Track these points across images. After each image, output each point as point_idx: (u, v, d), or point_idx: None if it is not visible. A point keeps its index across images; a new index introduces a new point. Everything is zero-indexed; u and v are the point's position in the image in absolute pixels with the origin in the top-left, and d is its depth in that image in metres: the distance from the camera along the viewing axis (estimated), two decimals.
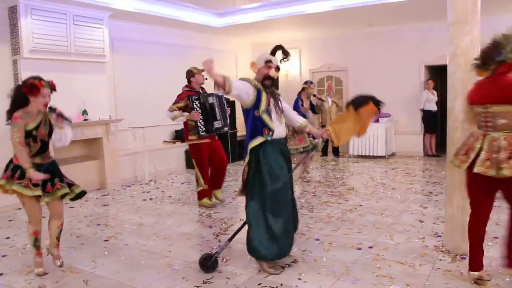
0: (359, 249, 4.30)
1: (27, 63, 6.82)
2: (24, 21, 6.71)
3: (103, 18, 7.79)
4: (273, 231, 3.68)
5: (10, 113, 3.79)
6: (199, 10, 9.28)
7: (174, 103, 6.18)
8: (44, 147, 3.88)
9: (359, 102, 4.18)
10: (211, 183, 6.39)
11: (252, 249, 3.77)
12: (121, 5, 7.67)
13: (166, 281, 3.76)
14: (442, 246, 4.21)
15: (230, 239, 4.08)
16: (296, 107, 7.55)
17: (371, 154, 9.98)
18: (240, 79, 3.89)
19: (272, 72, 3.85)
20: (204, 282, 3.69)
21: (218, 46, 11.16)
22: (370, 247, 4.32)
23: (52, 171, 3.88)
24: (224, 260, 4.15)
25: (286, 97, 8.08)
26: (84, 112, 7.59)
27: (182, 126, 9.69)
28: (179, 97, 6.19)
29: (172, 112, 6.14)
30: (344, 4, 8.29)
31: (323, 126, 10.37)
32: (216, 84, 3.56)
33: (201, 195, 6.33)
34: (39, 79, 3.80)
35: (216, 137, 6.42)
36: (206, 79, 6.40)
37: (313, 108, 8.09)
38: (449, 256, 3.98)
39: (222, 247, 4.04)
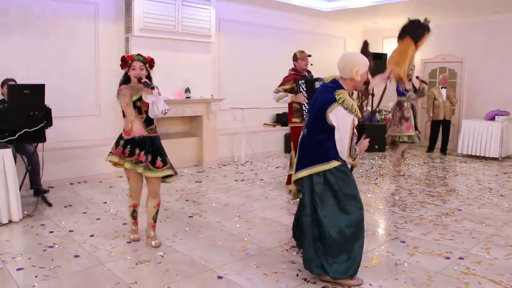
0: (448, 258, 3.91)
1: (137, 40, 7.19)
2: (137, 1, 7.07)
3: None
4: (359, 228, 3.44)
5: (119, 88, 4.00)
6: None
7: (280, 85, 6.15)
8: (149, 119, 4.00)
9: (418, 34, 3.90)
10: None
11: (352, 268, 3.34)
12: None
13: (237, 264, 3.75)
14: None
15: None
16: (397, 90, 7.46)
17: (482, 155, 9.06)
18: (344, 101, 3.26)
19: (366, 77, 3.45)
20: (274, 272, 3.61)
21: (326, 30, 10.87)
22: (461, 258, 3.91)
23: (155, 147, 3.99)
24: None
25: (395, 86, 7.68)
26: (187, 90, 7.84)
27: (283, 110, 9.75)
28: (285, 80, 6.15)
29: (278, 93, 6.11)
30: None
31: (433, 122, 9.68)
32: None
33: (290, 179, 6.25)
34: (133, 54, 3.97)
35: None
36: (311, 64, 6.28)
37: (415, 91, 7.54)
38: None
39: None
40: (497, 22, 9.48)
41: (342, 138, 3.23)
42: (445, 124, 9.71)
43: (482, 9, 8.92)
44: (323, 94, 3.40)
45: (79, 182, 6.59)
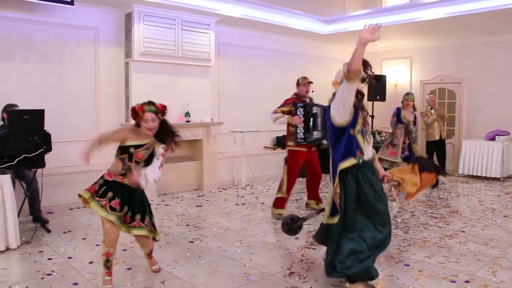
0: (453, 281, 3.83)
1: (137, 65, 7.23)
2: (137, 27, 7.12)
3: (210, 23, 8.01)
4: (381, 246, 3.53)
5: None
6: (306, 16, 9.17)
7: (279, 106, 6.26)
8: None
9: (426, 167, 4.00)
10: (309, 193, 6.53)
11: (365, 271, 3.51)
12: (228, 11, 7.83)
13: None
14: None
15: (319, 211, 4.24)
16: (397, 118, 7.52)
17: (483, 175, 9.03)
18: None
19: (361, 87, 3.54)
20: None
21: (326, 53, 10.95)
22: (467, 282, 3.83)
23: (135, 200, 3.70)
24: (304, 276, 3.96)
25: (394, 107, 7.72)
26: (187, 114, 7.84)
27: (283, 133, 9.74)
28: (285, 102, 6.26)
29: (275, 114, 6.22)
30: (462, 11, 7.65)
31: (428, 142, 9.56)
32: (353, 63, 3.33)
33: (278, 202, 6.19)
34: (144, 103, 3.59)
35: (313, 149, 6.26)
36: (312, 91, 6.40)
37: (415, 122, 7.60)
38: None
39: (312, 214, 4.31)
40: (494, 43, 9.56)
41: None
42: (441, 144, 9.57)
43: (476, 31, 9.02)
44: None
45: (78, 208, 6.52)
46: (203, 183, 8.18)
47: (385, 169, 7.02)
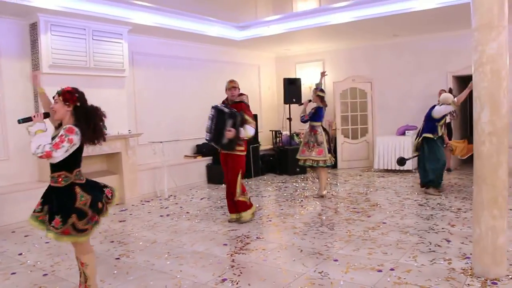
0: (380, 271, 4.01)
1: (46, 78, 6.78)
2: (44, 37, 6.74)
3: (123, 32, 7.78)
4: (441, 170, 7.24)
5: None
6: (219, 23, 9.21)
7: None
8: (53, 165, 3.36)
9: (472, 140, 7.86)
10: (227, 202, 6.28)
11: (434, 182, 7.22)
12: (140, 20, 7.67)
13: None
14: (471, 269, 3.89)
15: (417, 155, 7.43)
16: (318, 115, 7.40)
17: (397, 168, 9.61)
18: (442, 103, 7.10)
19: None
20: None
21: (240, 59, 11.07)
22: (392, 269, 4.03)
23: (54, 200, 3.34)
24: (236, 282, 3.95)
25: (309, 108, 7.88)
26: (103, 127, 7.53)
27: (202, 141, 9.66)
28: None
29: None
30: (367, 15, 8.12)
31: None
32: (461, 100, 7.02)
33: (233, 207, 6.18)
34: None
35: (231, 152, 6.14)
36: (244, 94, 6.26)
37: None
38: (478, 281, 3.66)
39: (414, 156, 7.78)
40: (398, 44, 10.22)
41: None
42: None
43: (383, 33, 9.60)
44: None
45: None
46: (125, 197, 7.89)
47: (313, 167, 7.34)
